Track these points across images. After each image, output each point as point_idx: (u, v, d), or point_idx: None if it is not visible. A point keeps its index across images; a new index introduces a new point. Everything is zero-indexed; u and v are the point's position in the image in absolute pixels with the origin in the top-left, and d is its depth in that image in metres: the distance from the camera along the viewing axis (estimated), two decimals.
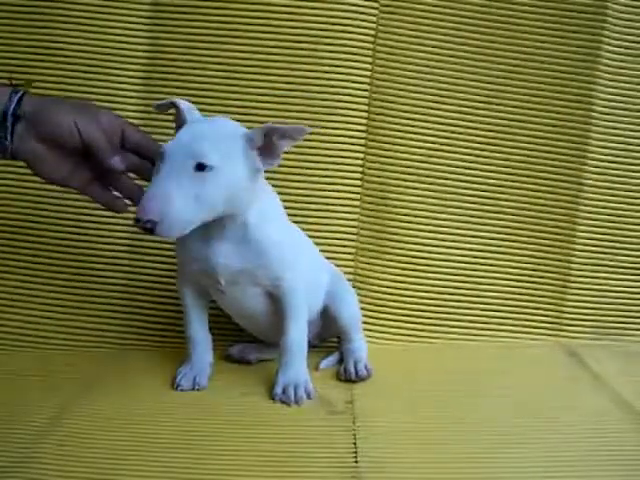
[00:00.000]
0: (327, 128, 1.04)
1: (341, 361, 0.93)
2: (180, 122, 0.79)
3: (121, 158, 0.76)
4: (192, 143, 0.72)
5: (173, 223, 0.70)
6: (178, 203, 0.70)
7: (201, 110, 1.02)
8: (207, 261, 0.80)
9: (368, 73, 1.05)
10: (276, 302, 0.85)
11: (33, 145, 0.74)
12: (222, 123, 0.78)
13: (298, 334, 0.85)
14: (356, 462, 0.69)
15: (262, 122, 1.02)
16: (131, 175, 0.82)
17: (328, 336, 0.98)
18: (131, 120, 1.02)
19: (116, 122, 0.77)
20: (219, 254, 0.80)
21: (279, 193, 1.02)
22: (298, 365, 0.85)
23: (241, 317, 0.90)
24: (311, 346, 0.89)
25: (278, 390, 0.82)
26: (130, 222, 1.01)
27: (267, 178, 1.04)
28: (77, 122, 0.72)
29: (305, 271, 0.86)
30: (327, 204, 1.04)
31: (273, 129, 0.76)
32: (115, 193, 0.81)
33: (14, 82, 0.77)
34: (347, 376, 0.89)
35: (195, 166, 0.71)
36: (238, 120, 1.02)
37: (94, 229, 1.02)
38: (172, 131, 1.03)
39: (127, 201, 0.82)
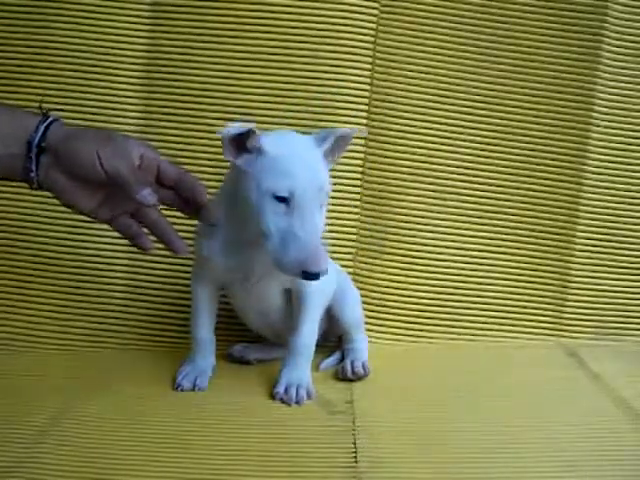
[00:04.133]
0: (327, 128, 1.04)
1: (341, 361, 0.93)
2: (249, 145, 0.75)
3: (150, 191, 0.71)
4: (316, 178, 0.74)
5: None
6: (324, 246, 0.73)
7: (201, 110, 1.04)
8: (246, 261, 0.81)
9: (368, 73, 1.05)
10: (294, 300, 0.85)
11: (58, 177, 0.71)
12: (306, 142, 0.78)
13: (309, 336, 0.85)
14: (356, 462, 0.69)
15: (262, 122, 1.03)
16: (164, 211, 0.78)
17: (331, 335, 0.98)
18: (131, 120, 1.04)
19: (151, 156, 0.74)
20: (258, 253, 0.78)
21: None
22: (303, 367, 0.85)
23: (256, 312, 0.90)
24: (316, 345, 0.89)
25: (280, 389, 0.82)
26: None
27: None
28: (100, 155, 0.69)
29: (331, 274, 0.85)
30: (328, 204, 1.04)
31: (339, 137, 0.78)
32: (144, 229, 0.77)
33: (44, 110, 0.74)
34: (344, 374, 0.89)
35: (324, 200, 0.76)
36: (239, 120, 1.03)
37: (94, 229, 1.02)
38: (172, 131, 1.04)
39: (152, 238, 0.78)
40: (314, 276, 0.70)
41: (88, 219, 0.92)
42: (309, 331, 0.85)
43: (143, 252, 0.78)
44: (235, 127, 0.73)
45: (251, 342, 0.96)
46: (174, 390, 0.84)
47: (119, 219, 0.75)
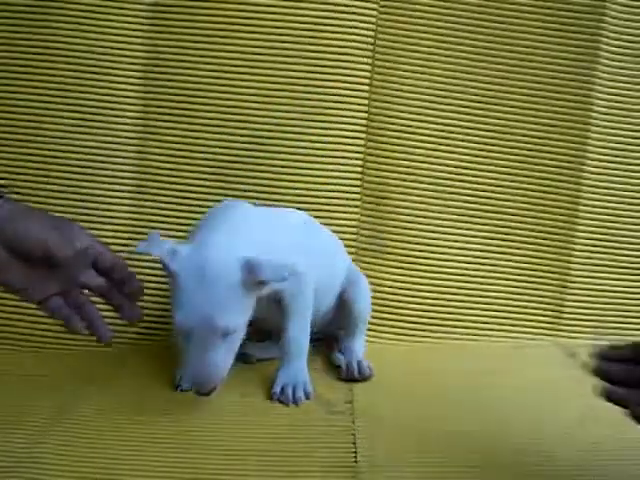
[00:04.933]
0: (327, 128, 1.04)
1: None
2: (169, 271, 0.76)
3: (94, 274, 0.73)
4: (212, 317, 0.73)
5: (224, 377, 0.76)
6: (223, 366, 0.75)
7: (201, 110, 1.04)
8: None
9: (368, 73, 1.05)
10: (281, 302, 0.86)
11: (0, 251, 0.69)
12: (219, 272, 0.74)
13: (298, 333, 0.85)
14: (356, 462, 0.69)
15: (263, 121, 1.04)
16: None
17: (336, 327, 0.98)
18: (129, 120, 1.04)
19: (88, 240, 0.74)
20: None
21: (279, 193, 1.03)
22: (298, 365, 0.85)
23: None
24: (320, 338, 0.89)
25: (277, 389, 0.82)
26: (128, 222, 1.02)
27: (268, 178, 1.05)
28: (48, 239, 0.69)
29: (310, 273, 0.86)
30: (327, 204, 1.05)
31: (255, 269, 0.74)
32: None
33: None
34: (349, 375, 0.89)
35: (222, 335, 0.74)
36: (239, 120, 1.04)
37: (94, 229, 1.02)
38: (170, 131, 1.04)
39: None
40: (200, 394, 0.76)
41: (88, 219, 0.92)
42: (297, 328, 0.85)
43: (75, 334, 0.77)
44: (150, 244, 0.76)
45: (250, 340, 0.96)
46: (174, 390, 0.84)
47: (50, 301, 0.74)
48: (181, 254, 0.75)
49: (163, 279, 1.01)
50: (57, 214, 1.01)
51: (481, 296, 1.08)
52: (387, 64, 1.05)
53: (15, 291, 0.73)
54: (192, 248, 0.76)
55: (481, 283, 1.08)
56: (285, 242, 0.83)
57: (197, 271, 0.74)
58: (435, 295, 1.07)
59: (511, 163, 1.07)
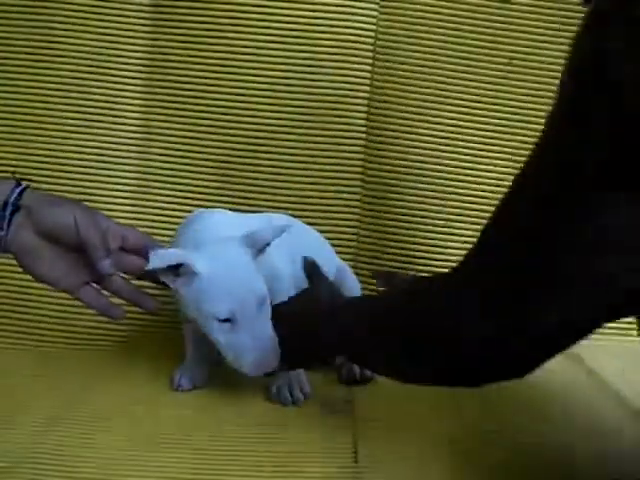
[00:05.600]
0: (327, 129, 1.04)
1: None
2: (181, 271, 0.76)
3: (110, 262, 0.73)
4: (249, 294, 0.75)
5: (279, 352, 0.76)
6: (274, 344, 0.75)
7: (201, 110, 1.04)
8: None
9: (368, 74, 1.05)
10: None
11: (30, 237, 0.71)
12: (237, 252, 0.77)
13: None
14: (356, 462, 0.69)
15: (264, 122, 1.04)
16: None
17: None
18: (131, 121, 1.04)
19: (111, 223, 0.74)
20: None
21: (279, 194, 1.03)
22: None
23: None
24: None
25: (273, 390, 0.82)
26: (129, 222, 1.02)
27: (268, 179, 1.05)
28: (77, 219, 0.71)
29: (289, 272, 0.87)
30: (327, 204, 1.05)
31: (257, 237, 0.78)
32: (111, 299, 0.77)
33: (17, 177, 0.74)
34: (350, 377, 0.88)
35: (260, 306, 0.76)
36: (240, 121, 1.04)
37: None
38: (172, 132, 1.04)
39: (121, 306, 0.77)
40: (269, 374, 0.77)
41: None
42: None
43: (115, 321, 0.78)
44: (164, 256, 0.74)
45: None
46: (174, 390, 0.84)
47: (83, 289, 0.75)
48: (193, 256, 0.75)
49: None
50: None
51: None
52: (387, 64, 1.06)
53: (48, 280, 0.74)
54: (198, 251, 0.76)
55: None
56: None
57: (217, 262, 0.75)
58: None
59: (511, 163, 1.07)
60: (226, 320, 0.74)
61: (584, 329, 0.54)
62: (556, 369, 0.95)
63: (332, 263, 0.96)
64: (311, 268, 0.85)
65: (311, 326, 0.73)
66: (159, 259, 0.73)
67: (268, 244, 0.79)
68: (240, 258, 0.77)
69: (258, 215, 0.93)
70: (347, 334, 0.69)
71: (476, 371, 0.60)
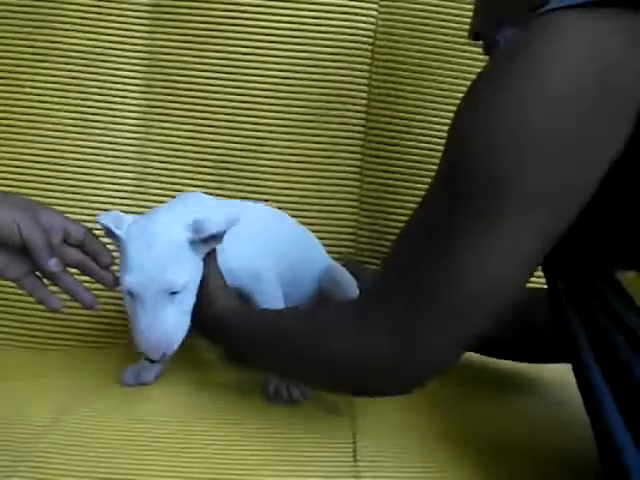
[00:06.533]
0: (326, 129, 1.04)
1: None
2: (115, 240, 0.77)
3: (57, 261, 0.74)
4: (157, 276, 0.72)
5: (179, 343, 0.74)
6: (174, 330, 0.73)
7: (202, 110, 1.04)
8: None
9: (367, 73, 1.05)
10: None
11: None
12: (164, 232, 0.74)
13: None
14: (355, 462, 0.69)
15: (263, 123, 1.04)
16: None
17: None
18: (130, 120, 1.04)
19: (57, 220, 0.75)
20: None
21: (278, 194, 1.03)
22: None
23: None
24: None
25: (271, 389, 0.81)
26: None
27: (266, 179, 1.05)
28: (18, 222, 0.71)
29: (270, 266, 0.85)
30: (326, 204, 1.05)
31: (201, 229, 0.74)
32: (51, 288, 0.79)
33: None
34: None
35: (169, 293, 0.73)
36: (239, 120, 1.04)
37: (92, 229, 1.02)
38: (172, 132, 1.04)
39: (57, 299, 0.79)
40: (150, 361, 0.75)
41: (88, 219, 0.92)
42: None
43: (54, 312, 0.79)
44: (103, 216, 0.76)
45: None
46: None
47: (26, 280, 0.76)
48: (127, 221, 0.76)
49: None
50: None
51: None
52: (387, 63, 1.06)
53: None
54: (139, 217, 0.77)
55: None
56: (244, 231, 0.81)
57: (143, 234, 0.73)
58: None
59: None
60: (129, 293, 0.73)
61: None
62: (555, 369, 0.97)
63: (320, 261, 0.96)
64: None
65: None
66: (100, 217, 0.76)
67: (214, 237, 0.75)
68: (168, 236, 0.73)
69: (233, 202, 0.91)
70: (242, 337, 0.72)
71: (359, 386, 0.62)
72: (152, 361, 0.75)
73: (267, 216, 0.90)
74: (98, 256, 0.78)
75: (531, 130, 0.52)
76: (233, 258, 0.81)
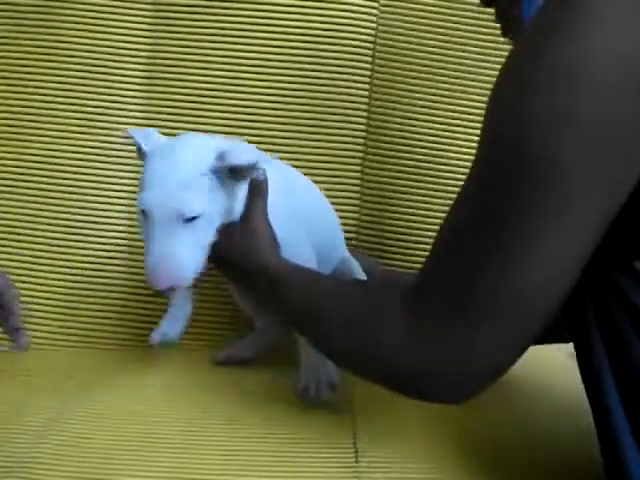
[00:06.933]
0: (327, 127, 1.04)
1: None
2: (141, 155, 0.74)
3: None
4: (172, 197, 0.67)
5: (189, 277, 0.70)
6: (185, 260, 0.69)
7: (202, 110, 1.04)
8: None
9: (368, 73, 1.05)
10: None
11: None
12: (189, 155, 0.70)
13: None
14: (356, 462, 0.69)
15: (263, 121, 1.04)
16: None
17: None
18: (133, 120, 1.04)
19: None
20: None
21: None
22: (317, 357, 0.77)
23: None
24: None
25: (299, 388, 0.78)
26: (128, 222, 1.02)
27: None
28: None
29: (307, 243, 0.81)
30: None
31: (226, 155, 0.70)
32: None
33: None
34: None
35: (184, 220, 0.68)
36: (240, 119, 1.04)
37: (92, 229, 1.02)
38: (174, 132, 1.04)
39: None
40: (157, 292, 0.70)
41: (88, 219, 0.92)
42: None
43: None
44: (135, 130, 0.73)
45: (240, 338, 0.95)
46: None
47: None
48: (157, 139, 0.72)
49: None
50: (57, 214, 1.02)
51: None
52: (388, 63, 1.05)
53: None
54: (172, 138, 0.73)
55: None
56: (278, 192, 0.77)
57: (167, 152, 0.69)
58: None
59: None
60: (143, 213, 0.69)
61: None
62: (556, 370, 0.96)
63: (340, 249, 0.93)
64: None
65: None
66: (132, 130, 0.73)
67: (241, 170, 0.70)
68: (192, 159, 0.69)
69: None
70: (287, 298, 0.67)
71: (413, 391, 0.58)
72: (159, 293, 0.70)
73: (303, 183, 0.87)
74: (8, 314, 0.77)
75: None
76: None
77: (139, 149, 0.73)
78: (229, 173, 0.70)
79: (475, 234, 0.53)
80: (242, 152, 0.70)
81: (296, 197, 0.83)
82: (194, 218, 0.68)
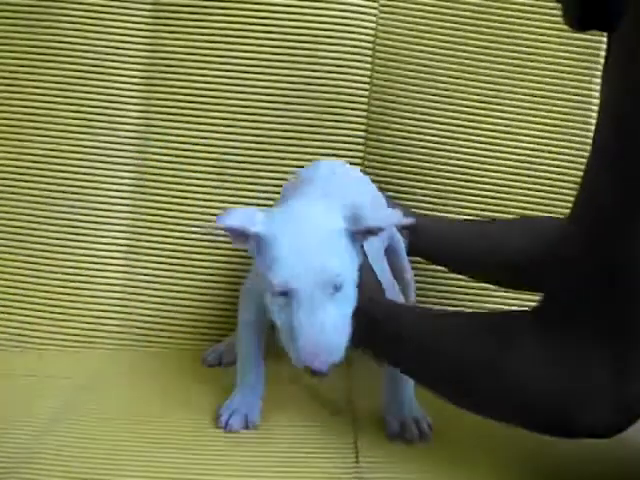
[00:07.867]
0: (327, 127, 1.04)
1: None
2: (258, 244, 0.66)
3: None
4: (322, 268, 0.62)
5: (343, 350, 0.63)
6: (343, 333, 0.63)
7: (201, 110, 1.04)
8: None
9: (368, 73, 1.05)
10: None
11: None
12: (320, 221, 0.65)
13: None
14: (357, 462, 0.69)
15: (263, 121, 1.04)
16: None
17: None
18: (132, 120, 1.04)
19: None
20: None
21: (278, 193, 1.02)
22: (407, 391, 0.74)
23: None
24: None
25: (394, 425, 0.73)
26: (128, 222, 1.03)
27: (268, 178, 1.04)
28: None
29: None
30: None
31: (360, 217, 0.66)
32: None
33: None
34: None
35: (334, 288, 0.63)
36: (240, 120, 1.04)
37: (92, 229, 1.02)
38: (173, 131, 1.04)
39: None
40: (315, 373, 0.62)
41: (88, 219, 0.92)
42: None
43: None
44: (228, 216, 0.65)
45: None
46: (219, 427, 0.74)
47: None
48: (259, 216, 0.65)
49: (160, 285, 1.02)
50: (56, 214, 1.02)
51: (483, 295, 1.07)
52: (388, 63, 1.05)
53: None
54: (277, 210, 0.68)
55: (482, 283, 1.07)
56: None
57: (295, 225, 0.64)
58: (439, 294, 1.07)
59: (512, 162, 1.07)
60: (283, 294, 0.62)
61: None
62: None
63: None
64: None
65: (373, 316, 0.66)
66: (222, 218, 0.65)
67: (371, 231, 0.66)
68: (326, 225, 0.64)
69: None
70: (400, 339, 0.63)
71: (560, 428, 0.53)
72: (315, 374, 0.61)
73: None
74: None
75: None
76: None
77: (240, 233, 0.65)
78: (359, 233, 0.66)
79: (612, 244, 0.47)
80: (374, 212, 0.67)
81: None
82: (340, 288, 0.63)
